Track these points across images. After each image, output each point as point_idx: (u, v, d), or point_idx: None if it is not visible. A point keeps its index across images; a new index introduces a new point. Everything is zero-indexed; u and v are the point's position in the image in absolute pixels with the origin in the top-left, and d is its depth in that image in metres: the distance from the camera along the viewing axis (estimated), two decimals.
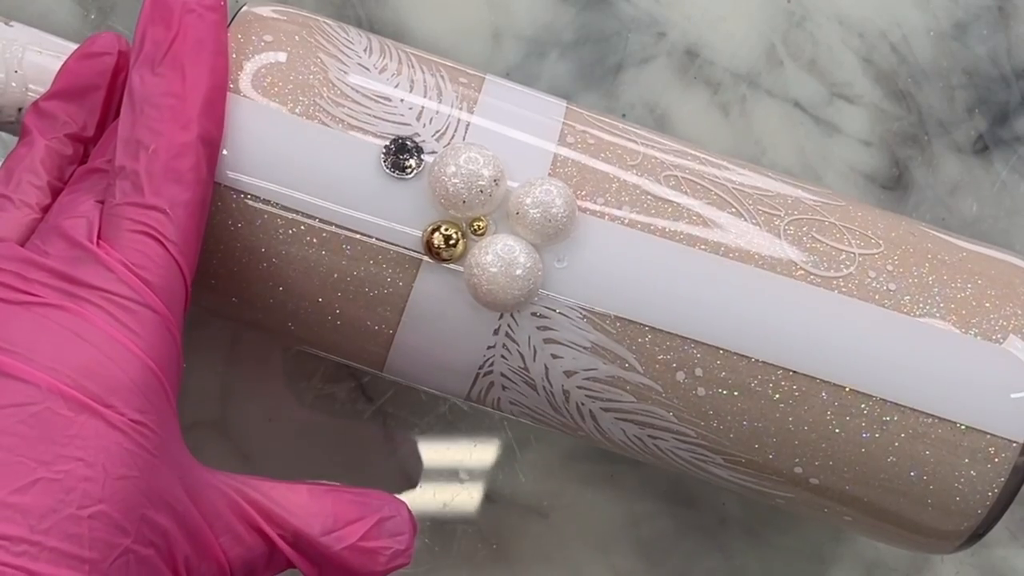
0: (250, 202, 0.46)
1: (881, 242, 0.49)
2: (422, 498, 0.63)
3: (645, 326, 0.46)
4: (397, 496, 0.48)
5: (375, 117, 0.47)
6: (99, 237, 0.41)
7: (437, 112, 0.47)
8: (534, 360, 0.47)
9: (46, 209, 0.44)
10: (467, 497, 0.63)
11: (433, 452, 0.63)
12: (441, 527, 0.63)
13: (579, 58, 0.64)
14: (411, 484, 0.63)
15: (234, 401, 0.62)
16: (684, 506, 0.64)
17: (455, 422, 0.63)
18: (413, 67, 0.49)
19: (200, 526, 0.42)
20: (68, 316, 0.39)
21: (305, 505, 0.45)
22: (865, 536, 0.55)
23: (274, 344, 0.62)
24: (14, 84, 0.47)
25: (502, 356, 0.47)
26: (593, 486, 0.64)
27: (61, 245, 0.41)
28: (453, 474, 0.63)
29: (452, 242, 0.45)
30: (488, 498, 0.63)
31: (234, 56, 0.47)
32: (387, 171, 0.46)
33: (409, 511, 0.48)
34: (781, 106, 0.65)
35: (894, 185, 0.65)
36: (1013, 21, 0.65)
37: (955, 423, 0.47)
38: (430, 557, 0.63)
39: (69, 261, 0.40)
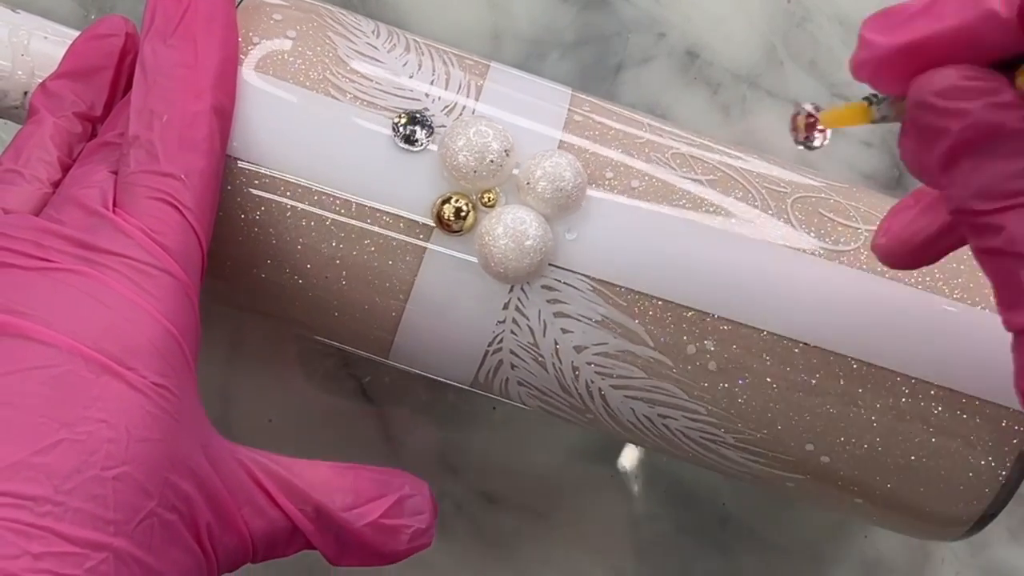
0: (258, 182, 0.46)
1: None
2: None
3: (655, 298, 0.46)
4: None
5: (385, 92, 0.47)
6: (115, 205, 0.41)
7: (444, 95, 0.48)
8: (544, 335, 0.47)
9: (56, 184, 0.44)
10: (467, 497, 0.63)
11: (433, 452, 0.63)
12: (441, 527, 0.62)
13: (579, 58, 0.64)
14: None
15: (235, 401, 0.62)
16: (684, 507, 0.64)
17: (456, 422, 0.63)
18: (421, 52, 0.49)
19: (222, 495, 0.42)
20: (86, 281, 0.39)
21: (326, 480, 0.45)
22: (872, 523, 0.55)
23: (275, 345, 0.62)
24: (20, 71, 0.47)
25: (512, 332, 0.47)
26: (593, 486, 0.63)
27: (77, 213, 0.41)
28: (453, 474, 0.63)
29: (463, 214, 0.45)
30: (488, 498, 0.63)
31: (244, 33, 0.47)
32: (398, 144, 0.46)
33: (430, 491, 0.48)
34: (781, 106, 0.65)
35: (895, 186, 0.65)
36: None
37: (966, 396, 0.47)
38: (430, 557, 0.62)
39: (86, 228, 0.40)
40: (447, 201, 0.45)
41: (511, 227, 0.44)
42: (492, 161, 0.45)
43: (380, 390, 0.63)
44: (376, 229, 0.46)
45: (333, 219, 0.46)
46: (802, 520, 0.64)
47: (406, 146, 0.46)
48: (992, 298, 0.46)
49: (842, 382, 0.47)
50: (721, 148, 0.50)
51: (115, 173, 0.42)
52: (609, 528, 0.63)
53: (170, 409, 0.39)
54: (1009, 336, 0.36)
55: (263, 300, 0.49)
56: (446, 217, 0.45)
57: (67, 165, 0.45)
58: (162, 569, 0.39)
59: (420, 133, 0.46)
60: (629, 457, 0.63)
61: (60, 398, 0.37)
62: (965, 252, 0.48)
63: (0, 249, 0.40)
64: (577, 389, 0.48)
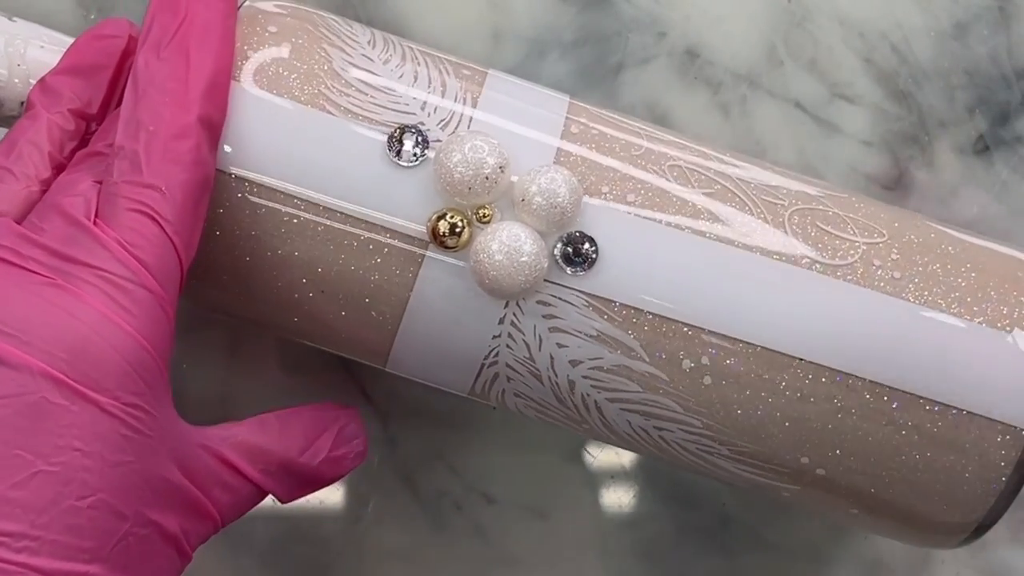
0: (252, 194, 0.46)
1: (884, 232, 0.49)
2: (422, 499, 0.63)
3: (651, 314, 0.46)
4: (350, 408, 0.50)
5: (380, 106, 0.47)
6: (96, 216, 0.41)
7: (441, 105, 0.48)
8: (539, 350, 0.47)
9: (47, 183, 0.44)
10: (467, 497, 0.63)
11: (433, 453, 0.63)
12: (441, 527, 0.63)
13: (579, 58, 0.64)
14: (411, 485, 0.63)
15: (234, 404, 0.62)
16: (684, 507, 0.64)
17: (455, 423, 0.63)
18: (417, 61, 0.49)
19: (194, 494, 0.43)
20: (62, 294, 0.39)
21: (280, 434, 0.46)
22: (869, 532, 0.55)
23: (275, 345, 0.62)
24: (17, 79, 0.47)
25: (507, 346, 0.47)
26: (593, 486, 0.64)
27: (58, 222, 0.41)
28: (453, 474, 0.63)
29: (457, 230, 0.45)
30: (488, 498, 0.63)
31: (239, 46, 0.47)
32: (392, 159, 0.46)
33: (358, 413, 0.50)
34: (782, 106, 0.65)
35: (894, 185, 0.65)
36: (1014, 21, 0.65)
37: (962, 411, 0.47)
38: (430, 557, 0.63)
39: (64, 240, 0.40)
40: (442, 217, 0.45)
41: (506, 244, 0.44)
42: (487, 177, 0.45)
43: (380, 390, 0.63)
44: (371, 245, 0.46)
45: (329, 234, 0.46)
46: (802, 520, 0.64)
47: (401, 161, 0.46)
48: (989, 313, 0.46)
49: (837, 396, 0.47)
50: (719, 156, 0.50)
51: (100, 183, 0.42)
52: (609, 528, 0.64)
53: (143, 428, 0.40)
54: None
55: (259, 311, 0.49)
56: (441, 233, 0.45)
57: (59, 162, 0.45)
58: None
59: (415, 148, 0.46)
60: (629, 457, 0.63)
61: (34, 428, 0.37)
62: (963, 264, 0.48)
63: None
64: (573, 401, 0.48)
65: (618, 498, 0.64)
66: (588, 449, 0.63)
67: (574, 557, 0.63)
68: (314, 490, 0.49)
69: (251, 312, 0.49)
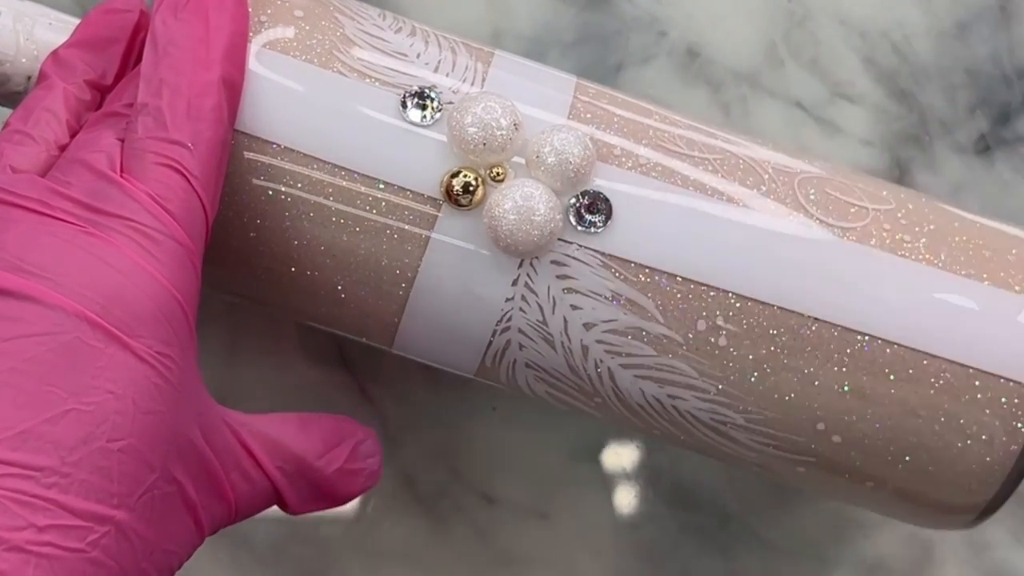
0: (261, 165, 0.46)
1: (892, 200, 0.49)
2: (422, 499, 0.62)
3: (665, 273, 0.46)
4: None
5: (392, 70, 0.47)
6: (122, 170, 0.41)
7: (451, 77, 0.48)
8: (553, 312, 0.47)
9: (64, 148, 0.43)
10: (467, 497, 0.62)
11: (433, 453, 0.63)
12: (441, 527, 0.62)
13: (579, 58, 0.64)
14: (411, 485, 0.62)
15: (233, 402, 0.61)
16: (684, 507, 0.63)
17: (456, 423, 0.63)
18: (428, 36, 0.49)
19: (214, 465, 0.42)
20: (95, 241, 0.39)
21: (299, 434, 0.46)
22: (879, 510, 0.54)
23: (274, 343, 0.62)
24: (24, 57, 0.47)
25: (520, 309, 0.47)
26: (593, 487, 0.63)
27: (85, 176, 0.41)
28: (453, 474, 0.63)
29: (471, 188, 0.45)
30: (488, 498, 0.63)
31: (252, 12, 0.47)
32: (406, 121, 0.46)
33: (376, 435, 0.50)
34: (782, 106, 0.65)
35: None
36: (1015, 21, 0.66)
37: (980, 371, 0.46)
38: (431, 557, 0.62)
39: (92, 192, 0.40)
40: (456, 175, 0.45)
41: (520, 202, 0.44)
42: (501, 135, 0.45)
43: (380, 391, 0.62)
44: (384, 207, 0.46)
45: (341, 196, 0.46)
46: (803, 521, 0.64)
47: (414, 123, 0.46)
48: (1001, 275, 0.46)
49: (854, 359, 0.47)
50: (727, 136, 0.50)
51: (121, 141, 0.42)
52: (609, 528, 0.63)
53: (173, 380, 0.39)
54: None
55: (266, 289, 0.49)
56: (455, 191, 0.45)
57: (75, 130, 0.45)
58: (160, 542, 0.40)
59: (428, 109, 0.46)
60: (630, 457, 0.63)
61: (68, 366, 0.37)
62: (971, 229, 0.48)
63: (9, 205, 0.40)
64: (586, 370, 0.48)
65: (618, 498, 0.63)
66: (586, 449, 0.63)
67: (574, 557, 0.63)
68: (324, 507, 0.48)
69: (256, 291, 0.49)
